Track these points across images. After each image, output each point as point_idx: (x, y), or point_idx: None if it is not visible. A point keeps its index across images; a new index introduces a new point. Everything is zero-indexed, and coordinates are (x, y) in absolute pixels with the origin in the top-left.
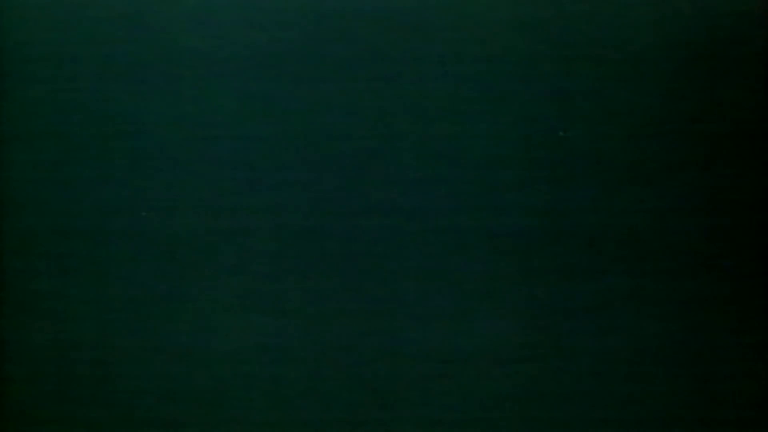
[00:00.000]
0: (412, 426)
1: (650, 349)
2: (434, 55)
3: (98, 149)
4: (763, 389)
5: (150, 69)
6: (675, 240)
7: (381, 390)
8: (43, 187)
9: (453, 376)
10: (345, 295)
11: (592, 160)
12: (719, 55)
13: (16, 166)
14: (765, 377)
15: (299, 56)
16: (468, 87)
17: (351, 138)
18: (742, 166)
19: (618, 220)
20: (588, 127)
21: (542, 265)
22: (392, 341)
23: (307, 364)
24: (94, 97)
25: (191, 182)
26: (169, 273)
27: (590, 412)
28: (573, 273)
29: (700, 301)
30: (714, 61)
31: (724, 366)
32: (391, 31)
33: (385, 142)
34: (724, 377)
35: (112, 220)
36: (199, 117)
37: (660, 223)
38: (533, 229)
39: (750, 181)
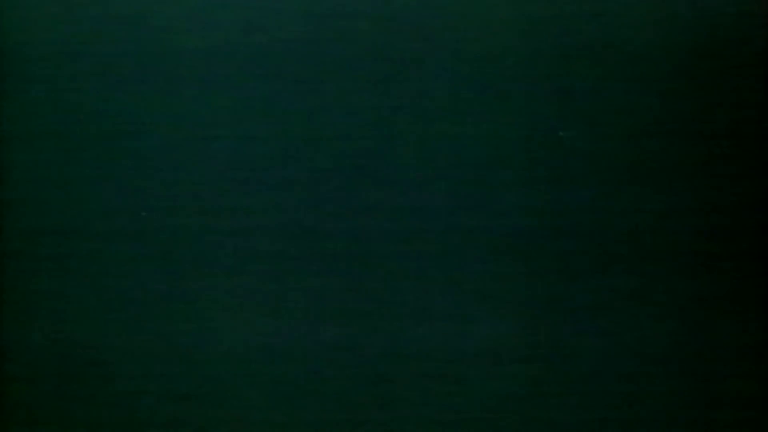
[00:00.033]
0: (412, 426)
1: (650, 349)
2: (434, 55)
3: (98, 149)
4: (763, 389)
5: (150, 69)
6: (675, 240)
7: (381, 390)
8: (43, 187)
9: (453, 376)
10: (345, 295)
11: (592, 160)
12: (719, 55)
13: (16, 166)
14: (765, 377)
15: (299, 56)
16: (468, 87)
17: (351, 138)
18: (742, 166)
19: (618, 220)
20: (588, 127)
21: (542, 265)
22: (392, 341)
23: (307, 364)
24: (94, 97)
25: (191, 182)
26: (169, 273)
27: (590, 412)
28: (573, 273)
29: (700, 301)
30: (714, 61)
31: (724, 366)
32: (391, 31)
33: (385, 142)
34: (724, 377)
35: (112, 220)
36: (199, 117)
37: (660, 223)
38: (533, 229)
39: (750, 181)
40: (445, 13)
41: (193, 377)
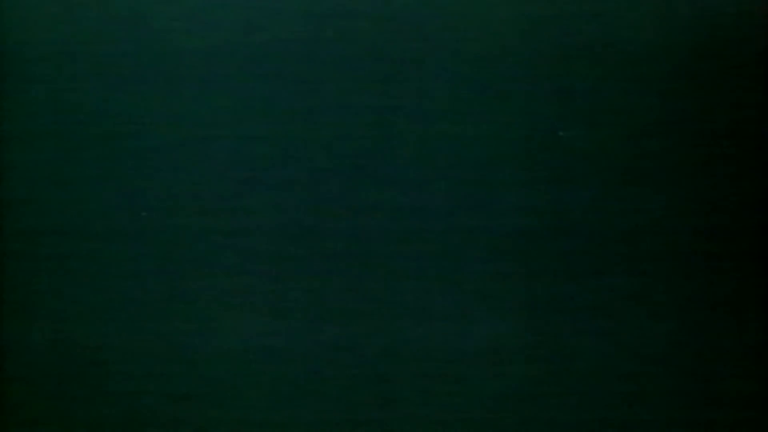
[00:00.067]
0: (412, 426)
1: (650, 349)
2: (434, 55)
3: (98, 149)
4: (763, 389)
5: (150, 69)
6: (675, 240)
7: (381, 390)
8: (43, 187)
9: (453, 376)
10: (345, 295)
11: (592, 160)
12: (719, 55)
13: (16, 166)
14: (765, 377)
15: (299, 56)
16: (468, 87)
17: (351, 138)
18: (742, 166)
19: (618, 220)
20: (588, 127)
21: (542, 265)
22: (392, 341)
23: (307, 364)
24: (94, 97)
25: (191, 182)
26: (169, 273)
27: (590, 412)
28: (573, 273)
29: (700, 301)
30: (714, 61)
31: (724, 366)
32: (391, 31)
33: (385, 142)
34: (724, 377)
35: (112, 220)
36: (199, 117)
37: (660, 223)
38: (533, 229)
39: (750, 181)
40: (445, 13)
41: (193, 377)
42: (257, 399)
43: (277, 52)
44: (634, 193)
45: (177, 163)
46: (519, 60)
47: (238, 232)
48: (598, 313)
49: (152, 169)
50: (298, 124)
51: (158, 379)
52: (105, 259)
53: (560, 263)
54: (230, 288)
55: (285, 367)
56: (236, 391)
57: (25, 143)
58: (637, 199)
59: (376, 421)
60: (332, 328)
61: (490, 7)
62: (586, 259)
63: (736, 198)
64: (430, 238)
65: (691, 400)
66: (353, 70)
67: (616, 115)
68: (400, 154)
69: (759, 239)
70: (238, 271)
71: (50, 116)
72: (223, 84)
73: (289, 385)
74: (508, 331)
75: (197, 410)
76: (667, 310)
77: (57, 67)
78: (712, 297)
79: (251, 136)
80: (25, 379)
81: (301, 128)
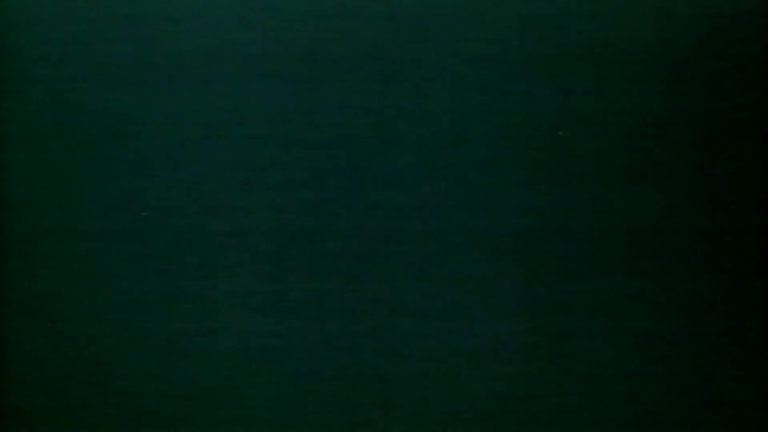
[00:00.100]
0: (412, 426)
1: (650, 349)
2: (434, 55)
3: (98, 149)
4: (763, 390)
5: (150, 69)
6: (675, 240)
7: (381, 390)
8: (43, 187)
9: (453, 375)
10: (345, 295)
11: (592, 160)
12: (719, 55)
13: (16, 166)
14: (765, 378)
15: (299, 56)
16: (468, 87)
17: (351, 138)
18: (742, 166)
19: (618, 220)
20: (588, 127)
21: (542, 265)
22: (392, 341)
23: (307, 364)
24: (94, 97)
25: (191, 182)
26: (168, 273)
27: (590, 412)
28: (573, 273)
29: (699, 302)
30: (714, 61)
31: (724, 366)
32: (391, 31)
33: (385, 142)
34: (724, 377)
35: (112, 220)
36: (199, 117)
37: (660, 223)
38: (534, 229)
39: (750, 181)
40: (445, 13)
41: (193, 377)
42: (257, 399)
43: (277, 52)
44: (634, 193)
45: (177, 163)
46: (519, 60)
47: (238, 232)
48: (598, 313)
49: (152, 169)
50: (298, 124)
51: (158, 379)
52: (105, 259)
53: (560, 263)
54: (230, 288)
55: (285, 367)
56: (236, 391)
57: (25, 143)
58: (637, 199)
59: (376, 421)
60: (332, 328)
61: (490, 7)
62: (586, 259)
63: (736, 198)
64: (430, 238)
65: (691, 400)
66: (353, 70)
67: (616, 115)
68: (400, 154)
69: (759, 239)
70: (239, 271)
71: (50, 116)
72: (223, 84)
73: (289, 385)
74: (508, 331)
75: (197, 410)
76: (667, 310)
77: (57, 67)
78: (712, 297)
79: (251, 136)
80: (25, 379)
81: (301, 128)
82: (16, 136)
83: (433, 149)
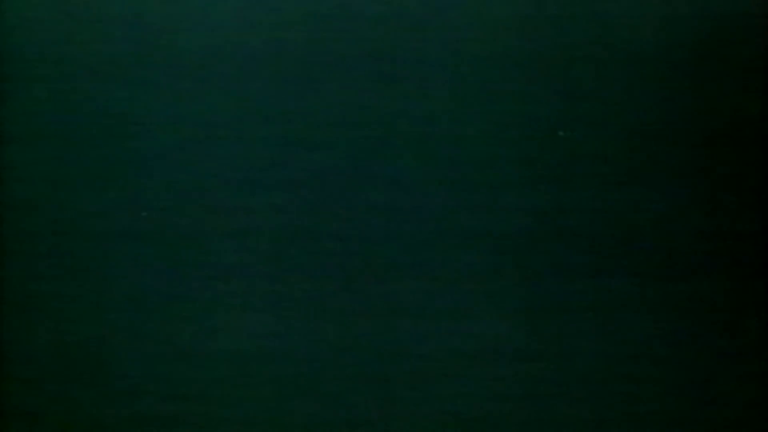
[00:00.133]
0: (412, 426)
1: (650, 349)
2: (434, 55)
3: (98, 149)
4: (762, 390)
5: (150, 69)
6: (674, 241)
7: (381, 390)
8: (43, 187)
9: (453, 375)
10: (345, 295)
11: (592, 160)
12: (719, 55)
13: (16, 166)
14: (764, 377)
15: (299, 56)
16: (468, 87)
17: (351, 138)
18: (742, 167)
19: (618, 220)
20: (588, 127)
21: (542, 265)
22: (392, 341)
23: (307, 364)
24: (94, 97)
25: (191, 182)
26: (169, 273)
27: (590, 412)
28: (573, 273)
29: (700, 302)
30: (714, 61)
31: (724, 366)
32: (391, 31)
33: (385, 142)
34: (724, 377)
35: (112, 220)
36: (199, 117)
37: (660, 223)
38: (533, 230)
39: (750, 181)
40: (445, 13)
41: (193, 377)
42: (257, 399)
43: (277, 52)
44: (634, 193)
45: (177, 163)
46: (519, 60)
47: (238, 232)
48: (598, 313)
49: (152, 169)
50: (298, 124)
51: (158, 379)
52: (105, 259)
53: (560, 263)
54: (230, 288)
55: (285, 367)
56: (236, 391)
57: (25, 143)
58: (637, 199)
59: (376, 421)
60: (332, 328)
61: (490, 8)
62: (586, 260)
63: (736, 198)
64: (430, 239)
65: (691, 400)
66: (353, 70)
67: (616, 116)
68: (400, 154)
69: (759, 240)
70: (238, 272)
71: (50, 116)
72: (223, 84)
73: (290, 385)
74: (508, 331)
75: (197, 410)
76: (666, 311)
77: (57, 67)
78: (712, 297)
79: (251, 136)
80: (25, 379)
81: (301, 128)
82: (16, 136)
83: (433, 149)
